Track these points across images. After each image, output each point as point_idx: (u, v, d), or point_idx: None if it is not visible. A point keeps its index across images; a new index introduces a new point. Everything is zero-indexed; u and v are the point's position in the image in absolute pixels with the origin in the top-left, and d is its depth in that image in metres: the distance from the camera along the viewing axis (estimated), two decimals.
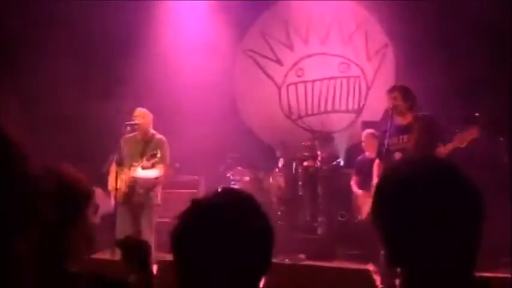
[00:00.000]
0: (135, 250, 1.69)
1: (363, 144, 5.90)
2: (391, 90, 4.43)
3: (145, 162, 4.75)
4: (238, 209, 1.15)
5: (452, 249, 1.02)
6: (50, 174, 1.30)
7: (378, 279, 4.18)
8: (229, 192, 1.21)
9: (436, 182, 1.04)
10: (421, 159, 1.14)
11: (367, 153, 5.99)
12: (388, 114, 4.37)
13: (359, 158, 6.04)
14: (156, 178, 4.91)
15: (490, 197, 1.09)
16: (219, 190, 1.22)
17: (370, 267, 5.17)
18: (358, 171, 5.98)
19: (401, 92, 4.32)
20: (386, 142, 4.19)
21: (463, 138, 4.01)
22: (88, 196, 1.30)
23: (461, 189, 1.04)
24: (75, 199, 1.27)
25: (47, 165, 1.29)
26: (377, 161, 4.56)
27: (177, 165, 6.96)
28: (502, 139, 4.46)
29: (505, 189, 4.48)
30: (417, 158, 1.15)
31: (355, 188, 5.95)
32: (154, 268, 4.26)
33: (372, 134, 5.85)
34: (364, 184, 5.66)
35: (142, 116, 4.96)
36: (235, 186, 6.86)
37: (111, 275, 1.35)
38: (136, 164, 4.78)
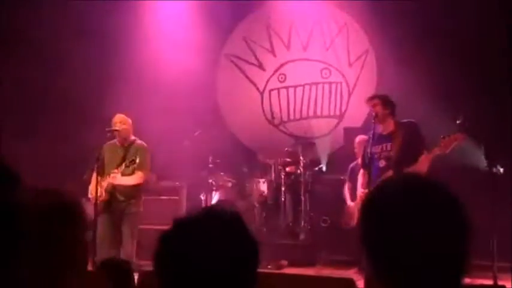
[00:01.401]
0: (118, 271, 1.65)
1: (356, 150, 5.86)
2: (370, 99, 4.45)
3: (124, 169, 4.69)
4: (222, 231, 1.12)
5: (438, 268, 1.02)
6: (44, 196, 1.24)
7: (360, 284, 4.18)
8: (213, 213, 1.18)
9: (422, 202, 1.04)
10: (407, 178, 1.14)
11: (359, 160, 5.99)
12: (371, 121, 4.38)
13: (352, 165, 6.01)
14: (136, 185, 4.84)
15: (471, 203, 1.09)
16: (203, 209, 1.19)
17: (354, 272, 5.17)
18: (350, 178, 5.95)
19: (380, 100, 4.34)
20: (369, 151, 4.20)
21: (448, 144, 4.03)
22: (81, 220, 1.25)
23: (448, 212, 1.04)
24: (68, 222, 1.22)
25: (39, 188, 1.23)
26: (361, 170, 4.56)
27: (154, 177, 6.84)
28: (482, 146, 4.51)
29: (485, 194, 4.53)
30: (404, 177, 1.16)
31: (347, 196, 5.93)
32: (136, 277, 4.20)
33: (364, 141, 5.85)
34: (356, 191, 5.67)
35: (121, 122, 4.89)
36: (217, 192, 6.82)
37: None
38: (116, 170, 4.71)
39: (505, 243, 4.39)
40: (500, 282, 4.00)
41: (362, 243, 1.09)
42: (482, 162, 4.70)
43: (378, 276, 1.07)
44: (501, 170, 4.58)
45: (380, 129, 4.35)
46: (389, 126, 4.32)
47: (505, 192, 5.00)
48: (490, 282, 4.00)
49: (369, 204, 1.11)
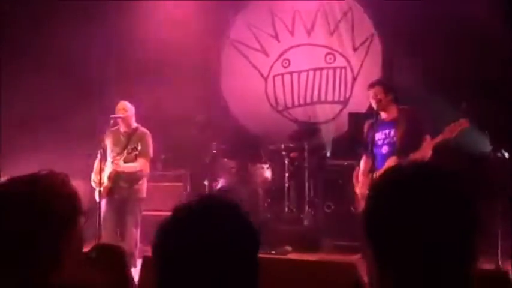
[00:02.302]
0: (110, 257, 1.64)
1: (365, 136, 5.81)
2: (371, 86, 4.40)
3: (127, 156, 4.70)
4: (221, 219, 1.10)
5: (445, 259, 1.00)
6: (40, 186, 1.24)
7: (363, 270, 4.19)
8: (213, 201, 1.16)
9: (430, 190, 1.02)
10: (416, 167, 1.11)
11: None
12: (372, 109, 4.35)
13: (359, 151, 5.98)
14: (138, 171, 4.85)
15: (476, 188, 1.08)
16: (202, 197, 1.17)
17: (358, 258, 5.18)
18: (359, 163, 5.91)
19: (382, 86, 4.29)
20: (372, 137, 4.18)
21: (453, 129, 4.00)
22: (78, 211, 1.24)
23: (456, 200, 1.02)
24: (64, 213, 1.21)
25: (37, 177, 1.22)
26: (364, 156, 4.54)
27: (163, 156, 6.89)
28: (486, 132, 4.48)
29: (490, 179, 4.51)
30: (413, 165, 1.13)
31: (356, 181, 5.89)
32: (139, 262, 4.22)
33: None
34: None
35: (125, 109, 4.90)
36: (221, 178, 6.83)
37: (94, 283, 1.30)
38: (118, 157, 4.72)
39: (509, 228, 4.38)
40: (504, 268, 4.00)
41: (366, 230, 1.07)
42: (487, 147, 4.67)
43: (380, 264, 1.05)
44: (506, 154, 4.55)
45: (383, 115, 4.32)
46: (392, 112, 4.29)
47: (510, 176, 4.98)
48: (493, 267, 4.00)
49: (377, 191, 1.09)
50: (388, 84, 4.33)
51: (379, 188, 1.09)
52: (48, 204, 1.19)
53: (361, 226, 1.09)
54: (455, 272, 1.00)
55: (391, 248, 1.02)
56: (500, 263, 4.13)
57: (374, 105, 4.25)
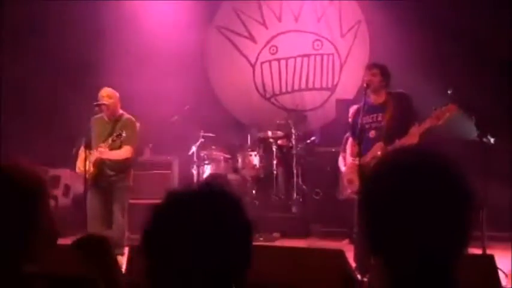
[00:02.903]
0: (96, 249, 1.61)
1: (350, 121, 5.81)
2: (371, 67, 4.35)
3: (111, 143, 4.64)
4: (215, 205, 1.09)
5: (438, 241, 1.00)
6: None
7: (350, 256, 4.21)
8: (207, 186, 1.13)
9: (428, 174, 1.02)
10: (416, 150, 1.12)
11: None
12: (362, 92, 4.33)
13: (347, 135, 5.99)
14: (125, 159, 4.81)
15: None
16: (196, 183, 1.15)
17: (346, 244, 5.21)
18: (345, 149, 5.93)
19: (381, 70, 4.27)
20: (360, 121, 4.16)
21: (440, 115, 3.99)
22: (40, 190, 1.21)
23: (454, 183, 1.02)
24: (25, 195, 1.18)
25: None
26: (350, 139, 4.54)
27: (150, 145, 6.85)
28: (473, 117, 4.50)
29: (475, 164, 4.54)
30: (413, 149, 1.13)
31: (342, 166, 5.92)
32: (126, 251, 4.20)
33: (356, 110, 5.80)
34: None
35: (109, 96, 4.82)
36: (209, 166, 6.81)
37: (72, 271, 1.27)
38: (103, 144, 4.66)
39: (494, 213, 4.42)
40: (488, 252, 4.04)
41: (361, 214, 1.06)
42: (473, 133, 4.69)
43: (373, 249, 1.05)
44: (492, 140, 4.57)
45: (372, 99, 4.31)
46: (381, 96, 4.28)
47: (496, 162, 5.02)
48: (479, 251, 4.04)
49: (372, 181, 1.08)
50: (386, 70, 4.30)
51: (377, 177, 1.08)
52: (8, 186, 1.16)
53: (350, 212, 1.08)
54: (447, 255, 1.01)
55: (388, 236, 1.02)
56: (485, 247, 4.18)
57: (367, 85, 4.22)
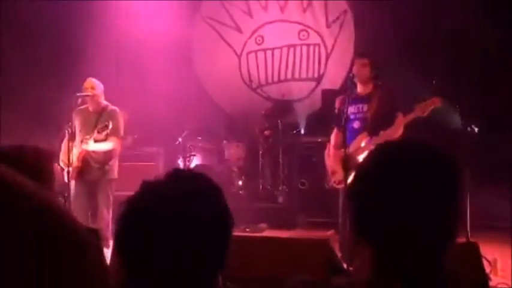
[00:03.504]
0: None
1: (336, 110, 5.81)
2: (361, 56, 4.34)
3: (97, 135, 4.57)
4: (192, 197, 1.05)
5: (427, 230, 1.00)
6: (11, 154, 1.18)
7: (336, 245, 4.24)
8: (182, 177, 1.10)
9: (418, 164, 1.02)
10: (403, 143, 1.13)
11: None
12: (347, 82, 4.34)
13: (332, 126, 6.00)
14: (110, 151, 4.75)
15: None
16: (172, 173, 1.10)
17: (332, 233, 5.23)
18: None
19: (371, 60, 4.25)
20: (345, 111, 4.16)
21: (424, 108, 4.03)
22: (51, 173, 1.19)
23: (443, 173, 1.02)
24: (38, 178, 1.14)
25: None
26: (335, 130, 4.54)
27: (135, 136, 6.79)
28: (457, 107, 4.53)
29: (460, 154, 4.58)
30: (399, 142, 1.14)
31: (327, 157, 5.92)
32: (111, 243, 4.17)
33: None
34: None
35: (93, 87, 4.75)
36: (195, 157, 6.78)
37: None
38: (88, 137, 4.60)
39: (478, 201, 4.47)
40: (472, 240, 4.09)
41: (350, 207, 1.06)
42: (458, 122, 4.73)
43: (361, 239, 1.04)
44: (476, 129, 4.62)
45: (359, 89, 4.31)
46: (368, 87, 4.28)
47: (480, 151, 5.07)
48: (462, 240, 4.09)
49: (360, 175, 1.08)
50: (376, 61, 4.28)
51: (366, 168, 1.08)
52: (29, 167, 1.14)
53: (335, 202, 1.08)
54: (435, 246, 1.01)
55: (374, 222, 1.02)
56: (469, 235, 4.23)
57: (353, 75, 4.21)
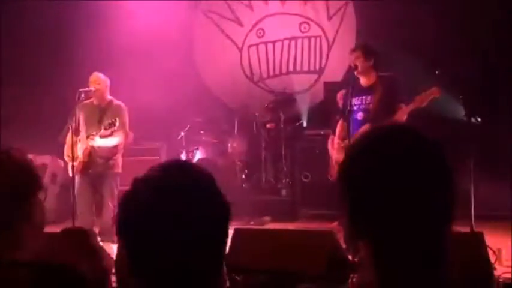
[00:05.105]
0: (80, 239, 1.59)
1: (339, 106, 5.83)
2: (353, 50, 4.38)
3: (103, 131, 4.58)
4: (188, 188, 1.03)
5: (421, 218, 0.99)
6: None
7: (341, 235, 4.25)
8: (177, 168, 1.08)
9: (405, 151, 1.00)
10: (392, 127, 1.10)
11: None
12: (350, 74, 4.34)
13: (336, 117, 6.01)
14: (115, 146, 4.76)
15: (450, 153, 1.07)
16: (166, 165, 1.09)
17: (335, 225, 5.23)
18: (334, 131, 5.94)
19: (363, 51, 4.27)
20: (349, 102, 4.17)
21: (424, 99, 4.07)
22: (33, 182, 1.18)
23: (434, 159, 1.01)
24: (17, 186, 1.15)
25: None
26: (340, 121, 4.54)
27: (132, 135, 6.74)
28: (461, 97, 4.52)
29: (463, 144, 4.58)
30: (387, 127, 1.11)
31: (331, 149, 5.93)
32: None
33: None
34: None
35: (98, 81, 4.74)
36: (198, 151, 6.79)
37: (57, 260, 1.25)
38: (94, 133, 4.60)
39: (482, 192, 4.47)
40: (476, 230, 4.09)
41: (341, 197, 1.05)
42: (461, 113, 4.72)
43: (356, 232, 1.03)
44: (479, 120, 4.61)
45: (362, 81, 4.31)
46: (370, 78, 4.29)
47: (483, 142, 5.07)
48: (467, 230, 4.09)
49: (349, 158, 1.07)
50: (369, 49, 4.29)
51: (353, 151, 1.06)
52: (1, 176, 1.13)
53: (337, 192, 1.06)
54: (431, 232, 0.99)
55: (366, 211, 1.00)
56: (473, 225, 4.23)
57: (354, 67, 4.24)
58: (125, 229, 1.03)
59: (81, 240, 1.56)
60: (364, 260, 1.04)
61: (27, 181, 1.16)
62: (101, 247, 1.72)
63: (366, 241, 1.02)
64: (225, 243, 1.07)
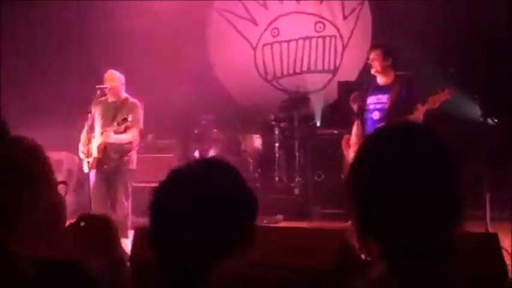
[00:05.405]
0: (99, 227, 1.60)
1: (352, 106, 5.81)
2: (372, 49, 4.37)
3: (117, 127, 4.63)
4: (220, 179, 1.11)
5: (429, 217, 0.99)
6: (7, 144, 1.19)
7: (355, 237, 4.24)
8: (209, 162, 1.17)
9: (414, 147, 1.01)
10: (401, 125, 1.10)
11: None
12: (365, 74, 4.34)
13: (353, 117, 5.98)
14: (129, 143, 4.80)
15: (464, 155, 1.07)
16: (198, 159, 1.18)
17: (348, 225, 5.21)
18: (349, 131, 5.92)
19: (383, 50, 4.25)
20: (364, 101, 4.17)
21: (436, 100, 4.06)
22: (42, 173, 1.19)
23: (440, 157, 1.01)
24: (24, 175, 1.15)
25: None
26: (356, 120, 4.54)
27: (150, 136, 6.80)
28: (476, 96, 4.48)
29: (478, 144, 4.55)
30: (398, 124, 1.12)
31: (345, 148, 5.90)
32: (131, 234, 4.22)
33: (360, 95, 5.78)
34: None
35: (113, 79, 4.79)
36: (211, 149, 6.81)
37: (63, 256, 1.27)
38: (108, 128, 4.65)
39: (498, 193, 4.43)
40: (491, 231, 4.06)
41: (351, 194, 1.05)
42: (476, 113, 4.68)
43: (365, 228, 1.04)
44: (495, 120, 4.57)
45: (378, 80, 4.29)
46: (388, 77, 4.27)
47: (499, 142, 5.01)
48: (482, 231, 4.06)
49: (359, 154, 1.07)
50: (388, 48, 4.28)
51: (362, 149, 1.07)
52: (8, 163, 1.14)
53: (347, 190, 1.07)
54: (438, 230, 0.99)
55: (374, 208, 1.01)
56: (488, 226, 4.19)
57: (370, 66, 4.25)
58: (156, 207, 1.09)
59: (99, 225, 1.58)
60: (374, 257, 1.05)
61: (37, 167, 1.17)
62: (118, 234, 1.73)
63: (374, 238, 1.02)
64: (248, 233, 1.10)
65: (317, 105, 7.44)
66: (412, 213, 0.97)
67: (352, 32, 7.59)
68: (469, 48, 6.09)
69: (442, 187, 0.99)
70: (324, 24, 7.73)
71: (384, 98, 4.22)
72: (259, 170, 6.80)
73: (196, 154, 6.67)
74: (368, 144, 1.08)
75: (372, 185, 1.01)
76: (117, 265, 1.56)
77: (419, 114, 4.12)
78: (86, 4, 7.13)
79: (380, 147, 1.04)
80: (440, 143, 1.02)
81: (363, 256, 3.53)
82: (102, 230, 1.66)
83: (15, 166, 1.14)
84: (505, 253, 3.41)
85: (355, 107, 4.62)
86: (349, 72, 7.30)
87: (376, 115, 4.21)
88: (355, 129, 4.56)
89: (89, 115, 4.71)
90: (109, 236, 1.69)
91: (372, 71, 4.25)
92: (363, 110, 4.13)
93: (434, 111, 4.17)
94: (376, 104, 4.23)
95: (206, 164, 1.16)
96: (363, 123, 4.10)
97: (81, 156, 4.78)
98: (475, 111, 4.65)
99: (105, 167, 4.76)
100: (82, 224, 1.66)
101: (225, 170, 1.14)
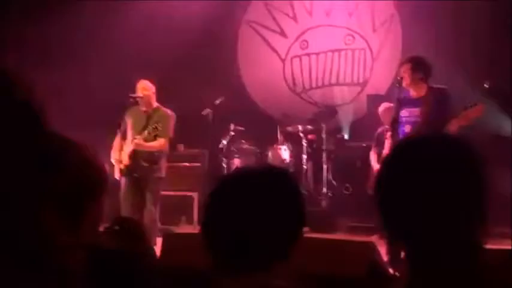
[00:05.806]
0: (133, 229, 1.64)
1: (381, 118, 5.80)
2: (401, 64, 4.36)
3: (147, 135, 4.72)
4: (275, 186, 1.18)
5: (457, 223, 0.99)
6: (70, 148, 1.23)
7: (383, 250, 4.18)
8: (264, 169, 1.25)
9: (444, 159, 1.01)
10: (430, 136, 1.12)
11: (386, 126, 5.90)
12: (397, 86, 4.31)
13: (379, 130, 5.95)
14: (159, 151, 4.89)
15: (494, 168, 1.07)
16: (262, 167, 1.27)
17: (375, 239, 5.16)
18: (377, 143, 5.89)
19: (413, 63, 4.22)
20: (397, 114, 4.14)
21: (468, 116, 3.98)
22: (103, 185, 1.24)
23: (472, 168, 1.01)
24: (91, 182, 1.20)
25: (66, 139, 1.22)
26: (389, 133, 4.50)
27: (182, 146, 6.89)
28: (510, 110, 4.40)
29: (508, 159, 4.46)
30: (427, 135, 1.14)
31: (373, 160, 5.87)
32: (159, 241, 4.28)
33: (389, 108, 5.76)
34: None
35: (145, 88, 4.91)
36: (239, 160, 6.85)
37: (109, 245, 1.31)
38: (138, 136, 4.75)
39: None
40: None
41: (378, 202, 1.07)
42: (509, 129, 4.60)
43: (392, 236, 1.05)
44: None
45: (411, 93, 4.26)
46: (421, 90, 4.22)
47: None
48: (509, 247, 3.96)
49: (387, 162, 1.09)
50: (418, 61, 4.24)
51: (388, 158, 1.09)
52: (79, 170, 1.18)
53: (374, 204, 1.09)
54: (463, 238, 0.99)
55: (403, 219, 1.01)
56: None
57: (400, 79, 4.24)
58: (212, 223, 1.18)
59: (132, 227, 1.62)
60: (402, 272, 1.06)
61: (97, 178, 1.21)
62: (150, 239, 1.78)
63: (403, 249, 1.04)
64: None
65: (346, 119, 7.42)
66: (441, 225, 0.98)
67: (382, 44, 7.57)
68: (505, 62, 5.98)
69: (473, 198, 0.99)
70: (353, 36, 7.73)
71: (416, 111, 4.18)
72: None
73: (224, 165, 6.72)
74: (392, 153, 1.09)
75: (400, 195, 1.02)
76: (151, 264, 1.59)
77: (453, 128, 4.05)
78: (122, 17, 7.30)
79: (403, 155, 1.05)
80: (471, 153, 1.02)
81: (390, 270, 3.50)
82: (136, 234, 1.70)
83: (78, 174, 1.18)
84: None
85: (386, 119, 4.59)
86: (379, 86, 7.27)
87: (408, 128, 4.16)
88: (388, 142, 4.52)
89: (122, 123, 4.83)
90: (142, 241, 1.73)
91: (403, 84, 4.22)
92: (396, 122, 4.10)
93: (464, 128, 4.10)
94: (408, 117, 4.19)
95: (270, 171, 1.23)
96: (396, 136, 4.07)
97: (113, 162, 4.89)
98: (508, 126, 4.56)
99: (135, 174, 4.85)
100: (117, 227, 1.70)
101: (287, 178, 1.21)
